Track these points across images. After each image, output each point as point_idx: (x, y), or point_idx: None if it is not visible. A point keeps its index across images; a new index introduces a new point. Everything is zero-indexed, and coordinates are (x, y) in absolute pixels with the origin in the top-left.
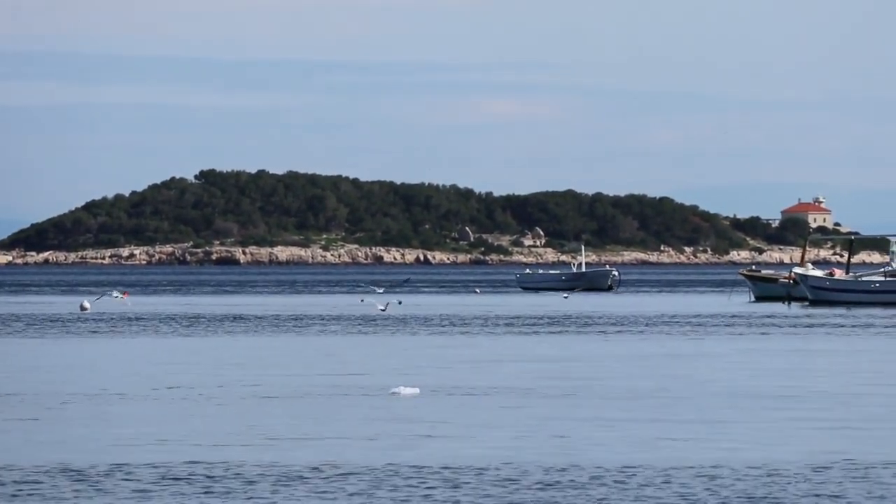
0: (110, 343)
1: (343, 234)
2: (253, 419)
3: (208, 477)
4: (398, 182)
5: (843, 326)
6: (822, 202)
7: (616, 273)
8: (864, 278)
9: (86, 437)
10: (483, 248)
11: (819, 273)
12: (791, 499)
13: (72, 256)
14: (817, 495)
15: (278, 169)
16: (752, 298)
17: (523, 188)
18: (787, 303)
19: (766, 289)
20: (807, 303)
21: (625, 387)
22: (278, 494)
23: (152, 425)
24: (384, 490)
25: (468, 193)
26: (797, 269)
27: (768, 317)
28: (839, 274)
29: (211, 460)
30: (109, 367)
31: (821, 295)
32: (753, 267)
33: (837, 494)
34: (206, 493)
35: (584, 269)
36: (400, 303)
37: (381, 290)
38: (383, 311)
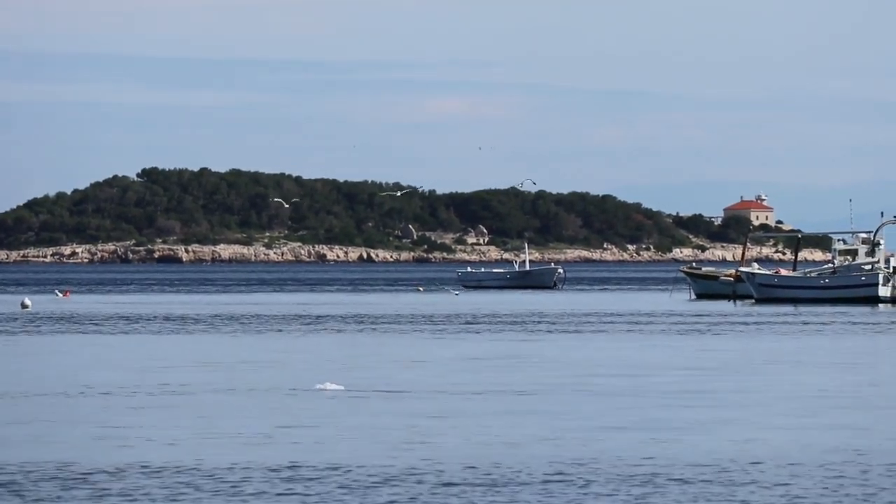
0: (42, 342)
1: (286, 231)
2: (157, 418)
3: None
4: (341, 180)
5: (788, 325)
6: (764, 200)
7: (561, 271)
8: (812, 275)
9: None
10: (426, 246)
11: (765, 271)
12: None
13: (13, 255)
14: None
15: (221, 167)
16: (693, 296)
17: (466, 186)
18: (733, 300)
19: (707, 286)
20: (752, 300)
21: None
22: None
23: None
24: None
25: (411, 191)
26: (743, 268)
27: (702, 315)
28: (784, 272)
29: (117, 460)
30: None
31: (768, 292)
32: (693, 264)
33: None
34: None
35: (528, 267)
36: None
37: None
38: (457, 295)
